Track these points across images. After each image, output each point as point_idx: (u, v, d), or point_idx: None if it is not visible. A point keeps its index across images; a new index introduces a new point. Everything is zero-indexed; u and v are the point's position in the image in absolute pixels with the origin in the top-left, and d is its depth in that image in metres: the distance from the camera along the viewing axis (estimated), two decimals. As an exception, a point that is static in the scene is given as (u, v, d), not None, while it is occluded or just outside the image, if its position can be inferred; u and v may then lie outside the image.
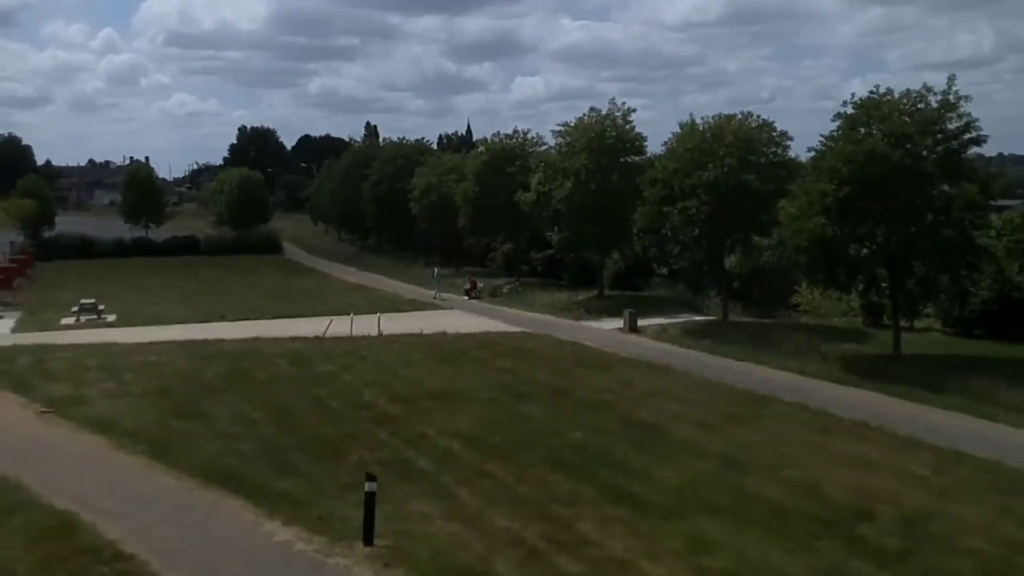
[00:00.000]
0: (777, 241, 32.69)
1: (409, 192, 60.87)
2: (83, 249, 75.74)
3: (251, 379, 27.57)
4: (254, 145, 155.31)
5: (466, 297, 48.33)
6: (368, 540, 14.91)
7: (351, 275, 61.94)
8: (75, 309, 40.47)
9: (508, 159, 52.04)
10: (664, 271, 48.50)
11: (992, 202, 29.96)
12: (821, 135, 30.01)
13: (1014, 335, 32.34)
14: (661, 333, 35.80)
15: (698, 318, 39.59)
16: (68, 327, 38.59)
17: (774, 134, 37.39)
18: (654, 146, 44.27)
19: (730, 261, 41.57)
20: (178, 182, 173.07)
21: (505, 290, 49.49)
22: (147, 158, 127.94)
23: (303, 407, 24.21)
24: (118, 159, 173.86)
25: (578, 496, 17.28)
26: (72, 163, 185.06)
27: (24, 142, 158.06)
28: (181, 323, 39.03)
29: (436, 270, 53.13)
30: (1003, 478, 18.42)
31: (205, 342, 33.77)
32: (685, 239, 36.20)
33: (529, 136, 55.29)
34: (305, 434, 21.52)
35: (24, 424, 22.91)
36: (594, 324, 38.91)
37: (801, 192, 29.46)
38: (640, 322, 37.20)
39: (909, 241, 28.02)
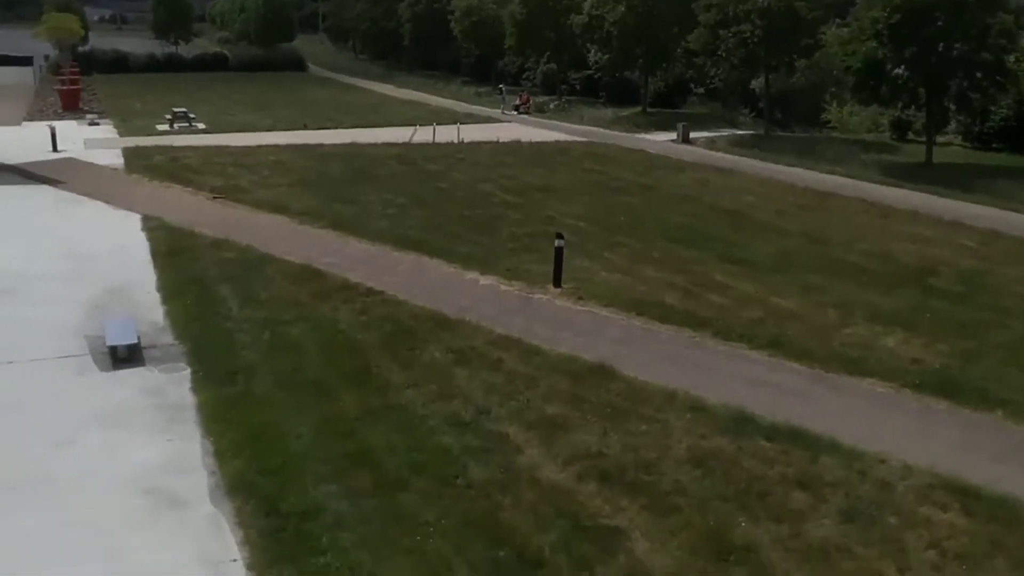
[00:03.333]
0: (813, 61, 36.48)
1: (450, 13, 63.62)
2: (117, 64, 77.88)
3: (373, 175, 31.54)
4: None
5: (514, 112, 51.97)
6: (557, 283, 19.36)
7: (395, 91, 65.11)
8: (168, 117, 43.78)
9: (554, -18, 54.98)
10: (701, 90, 52.28)
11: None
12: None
13: (1029, 148, 37.12)
14: (711, 144, 39.96)
15: (740, 132, 43.69)
16: (166, 132, 41.93)
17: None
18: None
19: (759, 82, 45.54)
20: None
21: (551, 106, 53.17)
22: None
23: (435, 196, 28.37)
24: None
25: (700, 259, 21.73)
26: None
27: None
28: (268, 131, 42.44)
29: (502, 87, 56.67)
30: (1034, 250, 23.15)
31: (307, 146, 37.48)
32: (735, 60, 40.06)
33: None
34: (453, 215, 25.75)
35: (205, 206, 26.73)
36: (647, 136, 42.94)
37: (853, 19, 33.24)
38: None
39: (949, 63, 32.05)
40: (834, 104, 43.49)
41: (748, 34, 38.59)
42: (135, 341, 15.25)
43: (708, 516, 10.72)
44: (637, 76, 51.07)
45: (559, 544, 10.11)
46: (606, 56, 48.71)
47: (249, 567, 9.67)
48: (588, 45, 51.15)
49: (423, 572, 9.63)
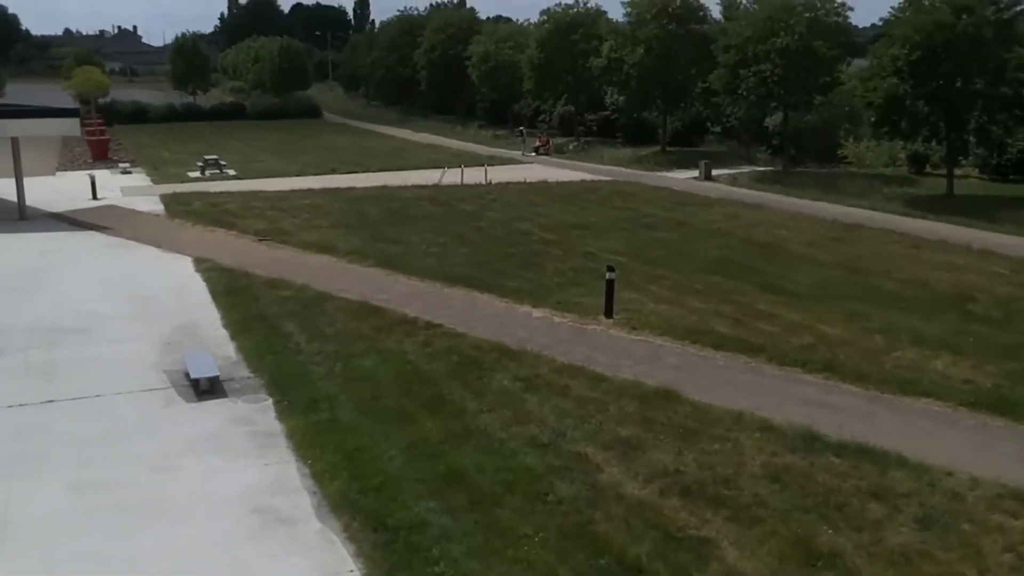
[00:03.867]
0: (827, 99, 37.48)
1: (467, 59, 64.88)
2: (136, 115, 79.07)
3: (410, 216, 32.30)
4: (248, 13, 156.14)
5: (533, 153, 52.92)
6: (609, 314, 20.02)
7: (413, 136, 66.22)
8: (200, 164, 44.71)
9: (572, 28, 56.04)
10: (717, 129, 53.30)
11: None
12: (891, 7, 34.78)
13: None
14: (733, 180, 40.78)
15: (760, 168, 44.55)
16: (198, 179, 42.81)
17: (836, 3, 41.76)
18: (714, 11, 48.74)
19: (773, 120, 46.51)
20: (158, 51, 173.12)
21: (570, 147, 54.16)
22: (135, 27, 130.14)
23: (475, 235, 29.08)
24: (91, 28, 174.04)
25: (742, 290, 22.38)
26: (48, 32, 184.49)
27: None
28: (298, 176, 43.21)
29: (522, 130, 57.76)
30: (1066, 276, 23.81)
31: (339, 189, 38.25)
32: (754, 99, 41.02)
33: (590, 6, 59.26)
34: (495, 253, 26.43)
35: (253, 248, 27.37)
36: (669, 174, 43.79)
37: (873, 57, 34.19)
38: (709, 172, 42.29)
39: (968, 97, 32.93)
40: (850, 140, 44.39)
41: (768, 73, 39.54)
42: (216, 374, 15.90)
43: (791, 526, 11.30)
44: (655, 116, 52.09)
45: (654, 553, 10.69)
46: (624, 97, 49.71)
47: (368, 577, 10.25)
48: (606, 87, 52.13)
49: (533, 579, 10.22)
